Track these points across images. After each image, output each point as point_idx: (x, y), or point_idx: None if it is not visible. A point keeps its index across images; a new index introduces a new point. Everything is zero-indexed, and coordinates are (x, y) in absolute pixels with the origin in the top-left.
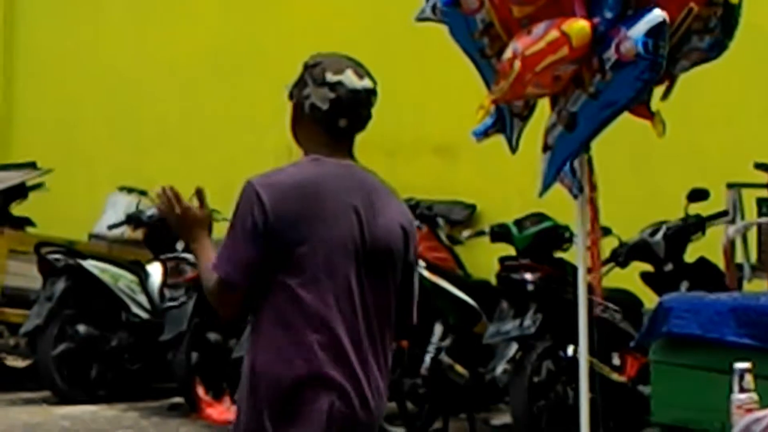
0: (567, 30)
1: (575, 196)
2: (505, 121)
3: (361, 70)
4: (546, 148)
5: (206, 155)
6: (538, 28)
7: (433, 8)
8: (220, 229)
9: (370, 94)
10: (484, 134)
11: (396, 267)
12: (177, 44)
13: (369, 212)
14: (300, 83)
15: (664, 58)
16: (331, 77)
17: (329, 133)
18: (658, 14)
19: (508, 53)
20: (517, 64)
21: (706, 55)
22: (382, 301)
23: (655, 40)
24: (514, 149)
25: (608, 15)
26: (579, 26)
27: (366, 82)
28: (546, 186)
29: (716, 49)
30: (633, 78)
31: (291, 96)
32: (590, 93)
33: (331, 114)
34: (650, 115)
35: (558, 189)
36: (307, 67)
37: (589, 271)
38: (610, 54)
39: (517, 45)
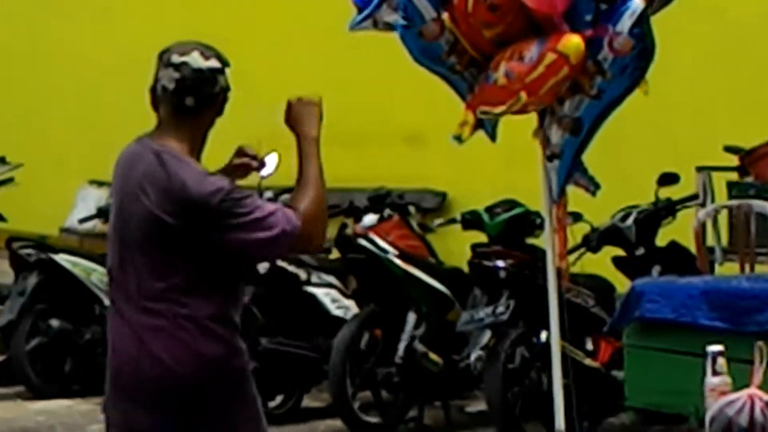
0: (563, 50)
1: (593, 194)
2: (482, 119)
3: (210, 53)
4: (552, 157)
5: None
6: (531, 53)
7: (375, 22)
8: None
9: (215, 73)
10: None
11: (145, 232)
12: (142, 36)
13: (121, 185)
14: (156, 71)
15: (653, 43)
16: (176, 59)
17: (177, 112)
18: (637, 4)
19: (499, 78)
20: (523, 95)
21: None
22: (143, 269)
23: (641, 28)
24: (493, 139)
25: (587, 18)
26: (574, 43)
27: (212, 63)
28: (561, 191)
29: None
30: (629, 70)
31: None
32: (592, 95)
33: (177, 93)
34: None
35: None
36: (160, 55)
37: (571, 251)
38: (606, 54)
39: (509, 71)
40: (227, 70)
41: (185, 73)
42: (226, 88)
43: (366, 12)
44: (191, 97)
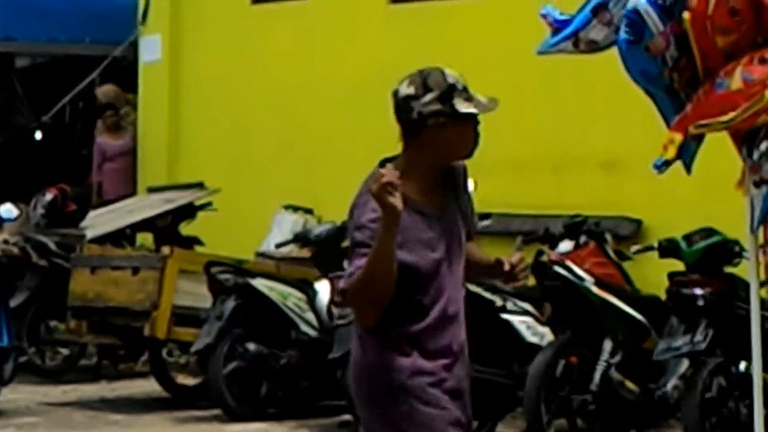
0: None
1: None
2: (683, 146)
3: (414, 79)
4: (761, 182)
5: None
6: None
7: (576, 42)
8: None
9: (408, 100)
10: (665, 165)
11: None
12: (342, 62)
13: None
14: None
15: None
16: (395, 87)
17: (401, 139)
18: None
19: (734, 82)
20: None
21: None
22: None
23: None
24: (689, 170)
25: None
26: None
27: (409, 90)
28: (761, 220)
29: None
30: None
31: None
32: None
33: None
34: None
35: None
36: None
37: (762, 284)
38: None
39: (747, 74)
40: (430, 96)
41: (393, 103)
42: (428, 115)
43: (569, 30)
44: (398, 124)
